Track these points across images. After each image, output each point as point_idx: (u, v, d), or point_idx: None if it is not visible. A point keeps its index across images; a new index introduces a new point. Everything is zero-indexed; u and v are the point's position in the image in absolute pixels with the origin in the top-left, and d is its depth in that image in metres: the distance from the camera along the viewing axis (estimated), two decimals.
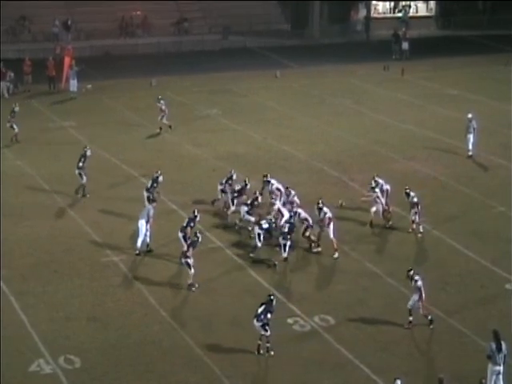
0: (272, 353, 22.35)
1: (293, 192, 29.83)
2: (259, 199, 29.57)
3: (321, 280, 27.00)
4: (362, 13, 64.85)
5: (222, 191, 30.68)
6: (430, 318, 23.72)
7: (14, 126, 38.67)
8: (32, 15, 58.60)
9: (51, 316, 24.40)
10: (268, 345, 22.39)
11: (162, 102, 40.47)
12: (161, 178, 30.79)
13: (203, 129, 41.72)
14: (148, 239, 28.18)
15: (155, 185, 30.67)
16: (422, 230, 29.59)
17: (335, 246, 28.04)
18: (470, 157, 37.10)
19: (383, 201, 30.09)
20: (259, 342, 22.40)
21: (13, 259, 27.78)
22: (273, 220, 28.33)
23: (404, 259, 27.82)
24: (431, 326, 23.62)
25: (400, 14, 64.82)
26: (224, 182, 30.73)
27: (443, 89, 48.66)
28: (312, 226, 28.31)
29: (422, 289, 23.46)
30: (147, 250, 28.17)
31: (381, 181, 30.43)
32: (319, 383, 19.80)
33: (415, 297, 23.54)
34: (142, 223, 28.03)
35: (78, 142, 37.90)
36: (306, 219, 28.28)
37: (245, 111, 44.64)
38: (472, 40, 61.21)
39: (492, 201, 32.60)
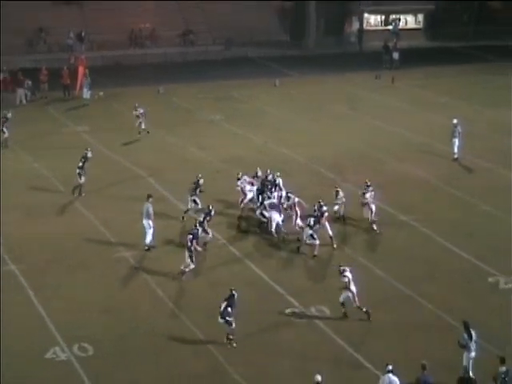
0: (235, 345, 22.23)
1: (292, 196, 29.67)
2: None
3: (317, 273, 26.99)
4: (356, 25, 64.98)
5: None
6: (364, 310, 23.57)
7: (5, 130, 38.66)
8: (48, 27, 58.62)
9: (66, 307, 24.46)
10: (231, 337, 22.28)
11: (138, 109, 40.45)
12: (201, 181, 30.46)
13: (207, 133, 41.71)
14: (150, 236, 28.17)
15: (198, 187, 30.44)
16: (375, 228, 29.46)
17: (332, 240, 28.23)
18: (456, 160, 37.10)
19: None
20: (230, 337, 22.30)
21: (30, 255, 27.83)
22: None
23: (395, 254, 27.89)
24: (370, 319, 23.50)
25: (390, 27, 64.76)
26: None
27: (432, 96, 48.63)
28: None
29: (352, 283, 23.35)
30: (151, 246, 28.22)
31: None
32: (316, 370, 19.79)
33: (347, 291, 23.39)
34: (145, 221, 28.11)
35: (91, 146, 37.88)
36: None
37: (246, 117, 44.62)
38: (458, 50, 61.17)
39: (477, 200, 32.62)
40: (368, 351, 22.11)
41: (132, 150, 38.64)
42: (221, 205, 31.30)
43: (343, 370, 21.43)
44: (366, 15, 65.34)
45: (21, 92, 47.02)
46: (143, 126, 40.66)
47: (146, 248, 28.08)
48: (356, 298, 23.53)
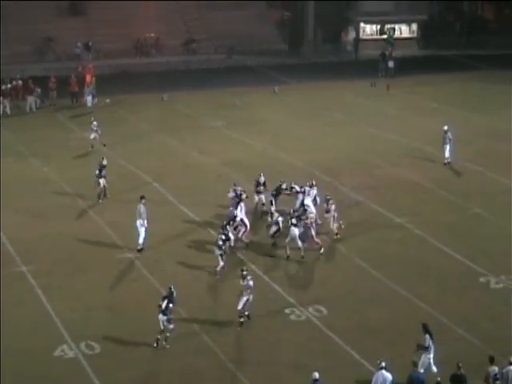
0: (168, 346, 22.04)
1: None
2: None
3: (315, 274, 27.04)
4: (352, 35, 64.96)
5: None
6: (242, 320, 23.21)
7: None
8: (57, 37, 58.70)
9: (73, 306, 24.51)
10: (168, 334, 22.13)
11: (94, 123, 39.15)
12: (239, 189, 30.27)
13: (209, 139, 41.72)
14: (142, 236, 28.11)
15: (239, 188, 30.28)
16: (336, 231, 29.32)
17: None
18: (447, 164, 37.10)
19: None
20: (158, 337, 22.08)
21: (39, 256, 27.88)
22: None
23: (389, 255, 27.91)
24: (239, 328, 23.13)
25: (385, 36, 64.82)
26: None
27: (425, 102, 48.63)
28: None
29: (251, 289, 23.08)
30: (141, 248, 28.14)
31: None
32: (314, 366, 19.83)
33: (245, 296, 23.07)
34: (138, 223, 28.02)
35: (97, 151, 37.99)
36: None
37: (246, 123, 44.59)
38: (451, 59, 61.14)
39: (468, 203, 32.64)
40: (363, 349, 22.13)
41: (137, 155, 38.64)
42: (221, 207, 31.33)
43: (339, 367, 21.43)
44: (361, 25, 65.38)
45: (31, 99, 47.06)
46: (97, 139, 38.99)
47: (139, 248, 28.06)
48: (246, 305, 23.12)
